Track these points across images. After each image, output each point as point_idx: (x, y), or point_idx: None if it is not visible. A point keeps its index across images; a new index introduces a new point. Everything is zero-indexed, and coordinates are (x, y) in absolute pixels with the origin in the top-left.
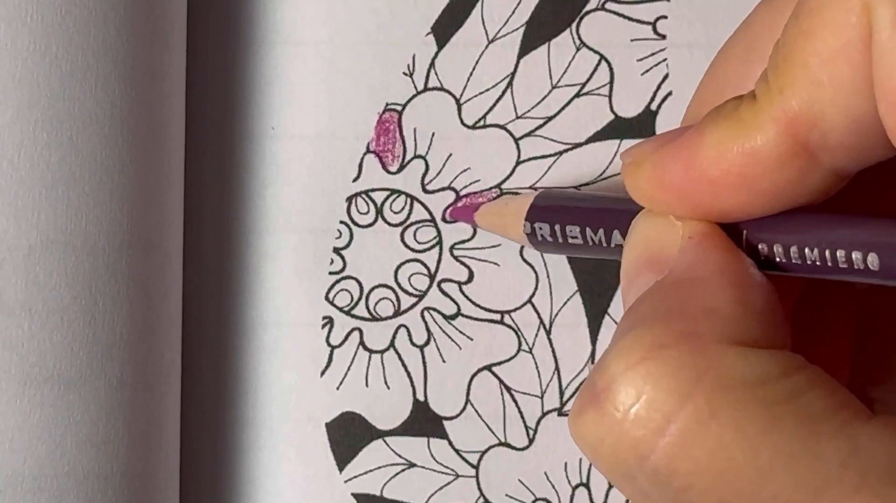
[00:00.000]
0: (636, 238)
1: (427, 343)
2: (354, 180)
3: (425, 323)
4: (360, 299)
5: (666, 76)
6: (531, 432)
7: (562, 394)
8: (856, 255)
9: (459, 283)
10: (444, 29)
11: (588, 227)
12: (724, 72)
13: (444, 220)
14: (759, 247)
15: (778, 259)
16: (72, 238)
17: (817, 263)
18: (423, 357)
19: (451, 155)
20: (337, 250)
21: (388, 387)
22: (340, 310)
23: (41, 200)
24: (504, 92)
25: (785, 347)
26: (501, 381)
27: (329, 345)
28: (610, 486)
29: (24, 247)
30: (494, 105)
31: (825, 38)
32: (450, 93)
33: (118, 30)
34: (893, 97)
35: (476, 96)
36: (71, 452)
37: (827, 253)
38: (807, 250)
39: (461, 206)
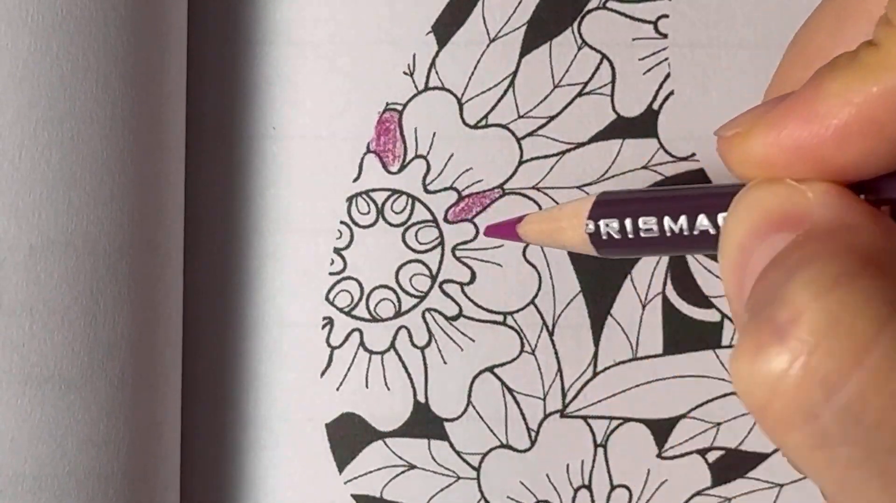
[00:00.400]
0: (749, 207)
1: (428, 344)
2: (355, 180)
3: (426, 324)
4: (360, 300)
5: (668, 75)
6: (533, 434)
7: (564, 395)
8: None
9: (461, 284)
10: (445, 28)
11: (667, 216)
12: (813, 43)
13: (446, 221)
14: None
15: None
16: (72, 238)
17: None
18: (424, 358)
19: (452, 155)
20: (337, 251)
21: (389, 389)
22: (341, 310)
23: (42, 200)
24: (506, 91)
25: None
26: (503, 383)
27: (329, 345)
28: (612, 488)
29: (24, 247)
30: (496, 104)
31: None
32: (451, 92)
33: (118, 29)
34: None
35: (477, 96)
36: (72, 452)
37: None
38: None
39: (498, 225)
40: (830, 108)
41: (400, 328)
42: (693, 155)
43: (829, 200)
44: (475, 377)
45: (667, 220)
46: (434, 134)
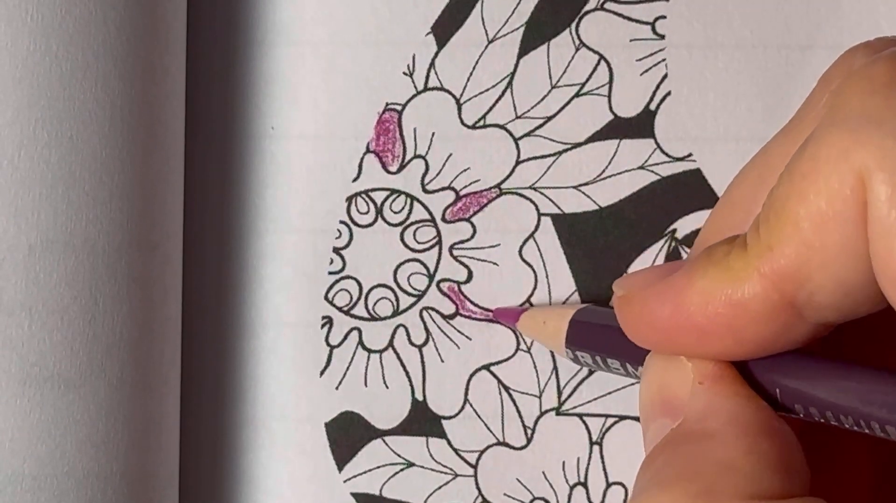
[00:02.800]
0: (650, 378)
1: (426, 343)
2: (354, 180)
3: (424, 323)
4: (359, 299)
5: (665, 76)
6: (529, 431)
7: (560, 393)
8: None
9: (458, 283)
10: (444, 29)
11: (628, 363)
12: (738, 197)
13: (443, 220)
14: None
15: (782, 402)
16: (72, 238)
17: (817, 418)
18: (422, 357)
19: (451, 155)
20: (336, 250)
21: (387, 387)
22: (340, 309)
23: (41, 200)
24: (504, 92)
25: (804, 493)
26: (500, 381)
27: (328, 344)
28: (608, 485)
29: (24, 246)
30: (494, 105)
31: (818, 204)
32: (450, 93)
33: (118, 29)
34: (894, 274)
35: (476, 96)
36: (71, 452)
37: (828, 413)
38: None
39: (506, 310)
40: (694, 305)
41: (398, 327)
42: (690, 155)
43: (701, 393)
44: (472, 375)
45: (629, 367)
46: (433, 134)
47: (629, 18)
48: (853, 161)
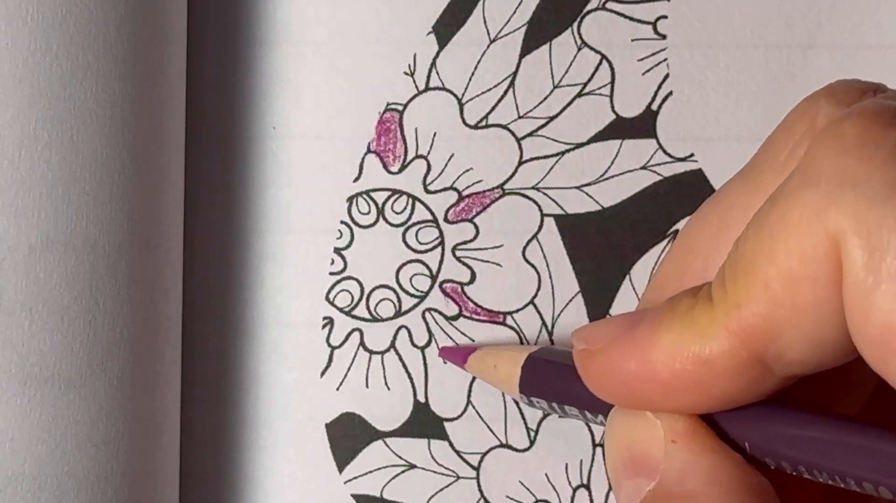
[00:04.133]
0: (617, 437)
1: (428, 344)
2: (355, 180)
3: (426, 324)
4: (360, 300)
5: (666, 76)
6: (532, 433)
7: None
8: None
9: (461, 284)
10: (446, 28)
11: (587, 411)
12: (696, 243)
13: (446, 221)
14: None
15: (751, 454)
16: (72, 238)
17: (789, 471)
18: (424, 358)
19: (452, 155)
20: (338, 250)
21: (389, 388)
22: (341, 310)
23: (41, 200)
24: (506, 92)
25: None
26: None
27: (329, 345)
28: (610, 488)
29: (24, 247)
30: (496, 105)
31: (789, 265)
32: (451, 92)
33: (118, 29)
34: (873, 339)
35: (478, 96)
36: (71, 452)
37: (800, 467)
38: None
39: (453, 349)
40: (659, 362)
41: (400, 328)
42: (691, 155)
43: (675, 452)
44: (475, 377)
45: (587, 414)
46: (434, 134)
47: (631, 18)
48: (827, 223)
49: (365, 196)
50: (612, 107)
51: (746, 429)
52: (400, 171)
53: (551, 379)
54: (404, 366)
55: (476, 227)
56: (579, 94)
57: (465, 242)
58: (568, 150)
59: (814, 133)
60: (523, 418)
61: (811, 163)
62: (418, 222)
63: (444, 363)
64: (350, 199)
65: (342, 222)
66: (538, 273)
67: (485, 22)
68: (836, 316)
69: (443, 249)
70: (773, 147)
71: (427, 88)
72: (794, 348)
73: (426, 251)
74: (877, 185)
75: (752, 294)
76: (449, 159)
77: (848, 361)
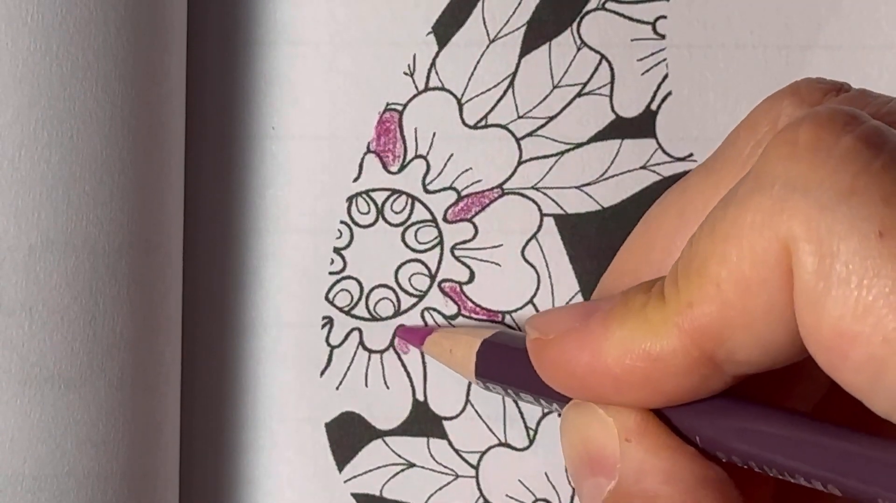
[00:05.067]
0: (573, 434)
1: None
2: (355, 180)
3: (425, 323)
4: (360, 299)
5: (666, 76)
6: (531, 432)
7: None
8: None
9: (460, 284)
10: (445, 28)
11: (541, 398)
12: (656, 234)
13: (445, 220)
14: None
15: (702, 448)
16: (72, 238)
17: (740, 464)
18: (423, 357)
19: (452, 155)
20: (337, 250)
21: (388, 387)
22: (340, 310)
23: (41, 200)
24: (505, 92)
25: None
26: None
27: (329, 345)
28: None
29: (24, 247)
30: (496, 105)
31: (741, 269)
32: (451, 92)
33: (118, 29)
34: (824, 344)
35: (477, 96)
36: (71, 452)
37: (751, 462)
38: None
39: (410, 330)
40: (611, 357)
41: (399, 327)
42: (691, 155)
43: (631, 451)
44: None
45: (542, 401)
46: (434, 134)
47: (630, 18)
48: (778, 228)
49: (364, 196)
50: (612, 107)
51: (698, 423)
52: (399, 170)
53: (507, 364)
54: (403, 365)
55: (475, 226)
56: (579, 94)
57: (464, 242)
58: (567, 150)
59: (775, 131)
60: (523, 417)
61: (764, 167)
62: (417, 222)
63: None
64: (350, 199)
65: (342, 222)
66: (537, 273)
67: (484, 22)
68: (787, 319)
69: (442, 249)
70: (736, 143)
71: (426, 88)
72: (744, 349)
73: (425, 251)
74: (828, 191)
75: (703, 294)
76: (448, 159)
77: (799, 360)
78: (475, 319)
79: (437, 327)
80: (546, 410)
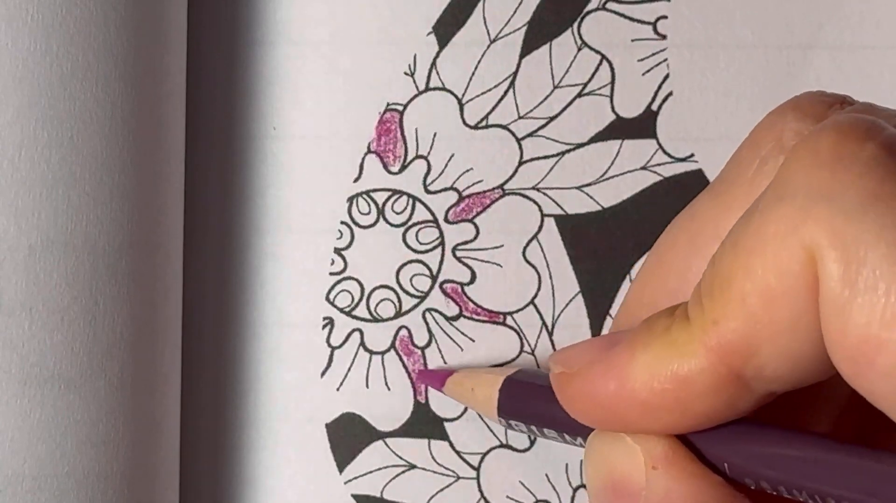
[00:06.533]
0: (597, 462)
1: (428, 344)
2: (355, 180)
3: (427, 324)
4: (360, 300)
5: (666, 76)
6: (532, 434)
7: None
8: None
9: (461, 284)
10: (446, 28)
11: (566, 433)
12: (669, 262)
13: (446, 221)
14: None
15: (731, 476)
16: (72, 238)
17: (769, 491)
18: (425, 358)
19: (453, 155)
20: (338, 251)
21: (389, 389)
22: (341, 310)
23: (41, 200)
24: (506, 92)
25: None
26: None
27: (329, 345)
28: None
29: (24, 247)
30: (496, 105)
31: (766, 280)
32: (451, 93)
33: (118, 29)
34: (849, 352)
35: (478, 96)
36: (71, 452)
37: (780, 488)
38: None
39: (430, 372)
40: (638, 382)
41: (400, 328)
42: (691, 156)
43: (657, 479)
44: None
45: (567, 437)
46: (435, 134)
47: (631, 18)
48: (803, 237)
49: (365, 196)
50: (613, 107)
51: (725, 450)
52: (400, 171)
53: (529, 401)
54: (404, 366)
55: (476, 227)
56: (579, 95)
57: (465, 242)
58: (568, 151)
59: (780, 149)
60: None
61: (786, 177)
62: (418, 222)
63: (445, 363)
64: (350, 200)
65: (342, 222)
66: (538, 273)
67: (485, 22)
68: (813, 330)
69: (443, 249)
70: (741, 163)
71: (427, 89)
72: (772, 364)
73: (426, 251)
74: (852, 198)
75: (729, 310)
76: (449, 159)
77: (825, 378)
78: (476, 320)
79: (456, 368)
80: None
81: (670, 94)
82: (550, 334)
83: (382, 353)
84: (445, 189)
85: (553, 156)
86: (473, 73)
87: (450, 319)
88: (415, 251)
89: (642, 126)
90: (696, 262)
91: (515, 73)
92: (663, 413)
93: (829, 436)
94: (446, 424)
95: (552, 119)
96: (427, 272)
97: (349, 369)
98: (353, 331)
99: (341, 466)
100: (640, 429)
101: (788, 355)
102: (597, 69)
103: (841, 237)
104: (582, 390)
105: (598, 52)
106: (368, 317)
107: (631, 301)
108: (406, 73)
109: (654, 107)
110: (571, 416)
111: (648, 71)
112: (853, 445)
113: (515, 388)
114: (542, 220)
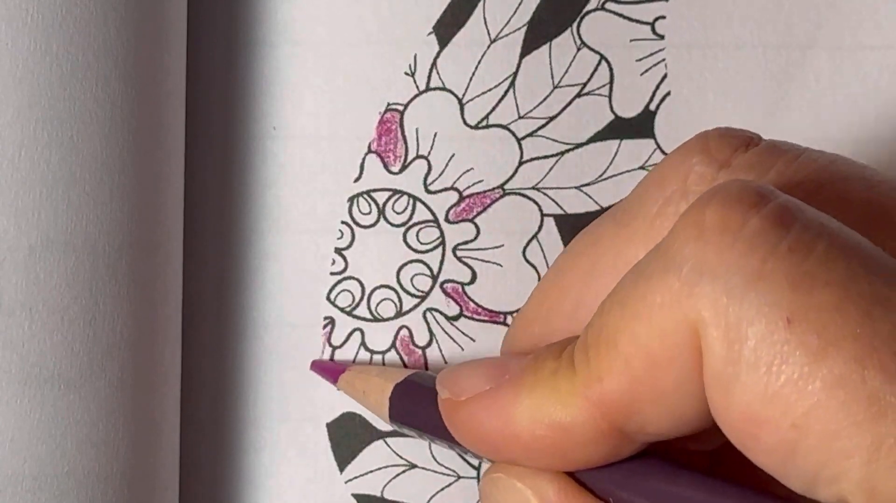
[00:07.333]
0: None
1: (429, 344)
2: (356, 180)
3: (427, 324)
4: (361, 300)
5: (665, 76)
6: None
7: None
8: None
9: (462, 284)
10: (446, 29)
11: (456, 446)
12: (567, 284)
13: (447, 221)
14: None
15: None
16: (72, 238)
17: None
18: (425, 358)
19: (453, 155)
20: (338, 250)
21: None
22: (342, 310)
23: (41, 200)
24: (506, 92)
25: None
26: None
27: (330, 345)
28: None
29: (24, 247)
30: (497, 105)
31: (650, 347)
32: (452, 93)
33: (118, 29)
34: (734, 425)
35: (478, 96)
36: (71, 452)
37: None
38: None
39: (325, 364)
40: (521, 425)
41: (401, 328)
42: None
43: None
44: None
45: (457, 448)
46: (435, 134)
47: (629, 18)
48: (687, 311)
49: (366, 196)
50: (611, 107)
51: (612, 487)
52: (401, 171)
53: (421, 409)
54: (405, 365)
55: (477, 227)
56: (578, 95)
57: (465, 242)
58: (567, 151)
59: (684, 193)
60: None
61: (673, 247)
62: (419, 222)
63: (445, 363)
64: (351, 199)
65: (343, 222)
66: (539, 273)
67: (485, 22)
68: (697, 394)
69: (443, 249)
70: (645, 201)
71: (427, 89)
72: (654, 422)
73: (427, 251)
74: (735, 276)
75: (613, 369)
76: (449, 159)
77: (706, 428)
78: (477, 320)
79: (350, 365)
80: (463, 454)
81: (668, 93)
82: None
83: (383, 353)
84: (446, 189)
85: (552, 155)
86: (474, 73)
87: (450, 319)
88: (415, 251)
89: (641, 126)
90: (594, 288)
91: (515, 73)
92: (545, 456)
93: (718, 476)
94: None
95: (552, 119)
96: (428, 272)
97: None
98: (354, 330)
99: (342, 466)
100: (525, 465)
101: (671, 415)
102: (595, 69)
103: (724, 315)
104: (467, 421)
105: (597, 52)
106: (369, 316)
107: (526, 314)
108: (406, 73)
109: (653, 107)
110: (466, 447)
111: (647, 71)
112: (738, 486)
113: (407, 394)
114: (542, 220)
